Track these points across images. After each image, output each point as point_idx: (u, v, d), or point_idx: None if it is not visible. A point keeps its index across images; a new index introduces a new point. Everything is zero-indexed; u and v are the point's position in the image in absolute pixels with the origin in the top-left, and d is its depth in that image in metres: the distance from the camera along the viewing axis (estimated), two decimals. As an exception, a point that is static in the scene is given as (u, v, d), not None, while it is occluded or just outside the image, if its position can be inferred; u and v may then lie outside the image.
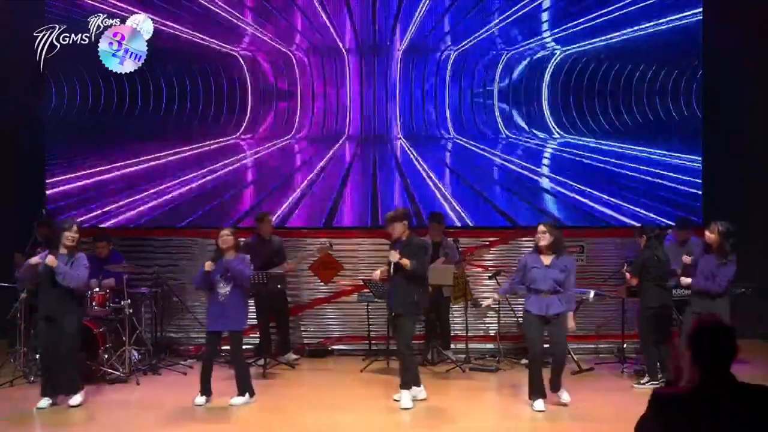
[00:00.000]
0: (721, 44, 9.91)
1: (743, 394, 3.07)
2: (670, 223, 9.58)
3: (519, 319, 9.89)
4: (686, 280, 7.56)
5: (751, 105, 9.99)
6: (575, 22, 10.05)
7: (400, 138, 10.15)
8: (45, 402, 7.17)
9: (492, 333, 9.81)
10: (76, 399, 7.22)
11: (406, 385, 7.18)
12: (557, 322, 7.09)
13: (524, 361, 9.21)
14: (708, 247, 7.44)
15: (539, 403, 7.09)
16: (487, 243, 10.05)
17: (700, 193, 9.99)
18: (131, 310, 8.42)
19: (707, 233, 7.43)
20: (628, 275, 8.28)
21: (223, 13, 10.00)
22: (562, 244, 7.26)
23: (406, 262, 7.16)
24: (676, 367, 3.43)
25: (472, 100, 10.13)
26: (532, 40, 10.09)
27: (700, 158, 10.03)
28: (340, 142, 10.16)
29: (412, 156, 10.16)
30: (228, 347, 7.52)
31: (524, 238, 10.13)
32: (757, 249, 9.36)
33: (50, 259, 7.05)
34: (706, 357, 3.09)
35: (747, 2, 9.90)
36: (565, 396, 7.32)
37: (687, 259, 7.82)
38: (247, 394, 7.35)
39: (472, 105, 10.13)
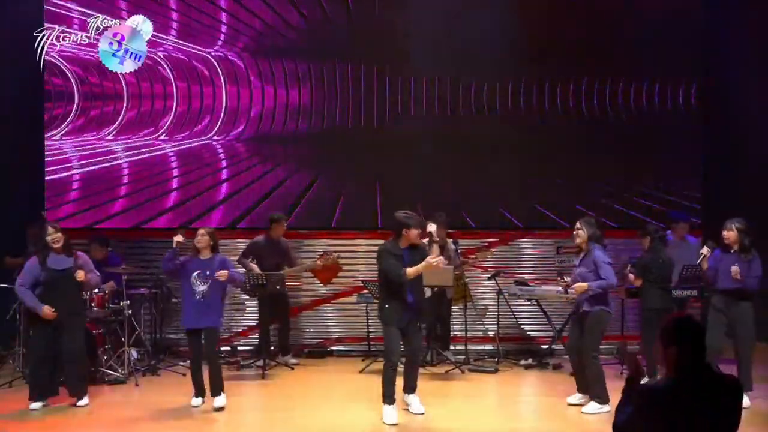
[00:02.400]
0: (722, 46, 9.91)
1: (717, 382, 3.39)
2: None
3: (518, 320, 9.92)
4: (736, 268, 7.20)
5: (752, 106, 9.98)
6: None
7: (399, 138, 10.15)
8: (37, 404, 7.15)
9: (491, 334, 9.80)
10: (84, 400, 7.23)
11: (413, 389, 7.08)
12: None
13: (523, 362, 9.22)
14: (726, 247, 7.34)
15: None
16: (486, 244, 10.04)
17: (699, 195, 9.99)
18: (130, 311, 8.44)
19: (725, 233, 7.32)
20: (631, 276, 8.26)
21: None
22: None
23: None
24: (637, 365, 3.51)
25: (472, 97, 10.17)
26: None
27: (700, 160, 10.02)
28: (339, 142, 10.16)
29: (411, 156, 10.14)
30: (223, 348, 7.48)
31: (524, 239, 10.14)
32: (757, 251, 9.33)
33: (80, 275, 7.17)
34: (693, 350, 3.36)
35: (747, 4, 9.90)
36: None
37: (706, 250, 7.50)
38: (222, 393, 7.22)
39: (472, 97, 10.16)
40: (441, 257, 6.77)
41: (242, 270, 8.88)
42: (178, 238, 7.26)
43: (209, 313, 7.16)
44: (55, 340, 7.17)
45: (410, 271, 6.61)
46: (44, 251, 7.19)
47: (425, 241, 7.16)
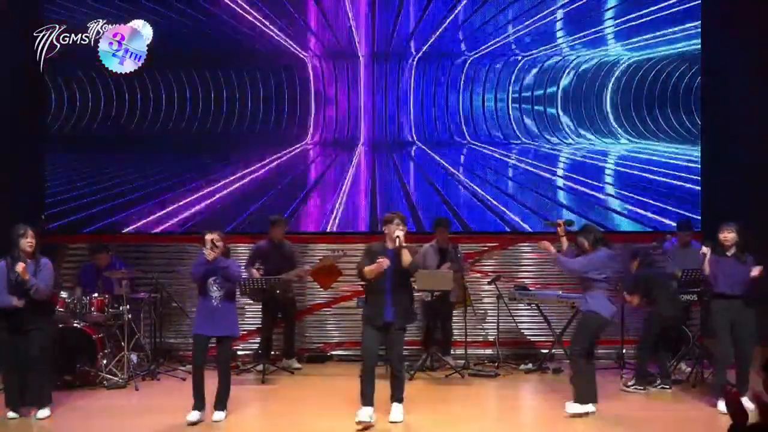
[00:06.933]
0: (720, 48, 9.94)
1: None
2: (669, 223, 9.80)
3: (518, 324, 9.91)
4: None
5: (750, 108, 10.00)
6: (587, 31, 10.12)
7: (408, 143, 10.18)
8: (13, 414, 6.98)
9: (491, 339, 9.78)
10: (44, 412, 7.02)
11: (400, 399, 6.89)
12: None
13: (523, 366, 9.20)
14: (724, 250, 7.26)
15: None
16: (487, 248, 10.04)
17: (698, 197, 10.00)
18: (130, 316, 8.41)
19: (724, 235, 7.26)
20: (627, 297, 8.34)
21: (228, 17, 10.05)
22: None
23: (407, 256, 6.63)
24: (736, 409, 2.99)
25: (478, 105, 10.16)
26: (545, 47, 10.12)
27: (698, 162, 10.04)
28: (345, 147, 10.17)
29: (411, 161, 10.17)
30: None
31: (524, 244, 10.13)
32: (757, 254, 9.34)
33: (21, 268, 6.82)
34: None
35: (746, 6, 9.93)
36: None
37: (706, 250, 7.33)
38: (225, 410, 7.03)
39: (478, 109, 10.16)
40: (385, 260, 6.58)
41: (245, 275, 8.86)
42: (211, 257, 6.81)
43: (224, 320, 6.97)
44: (18, 347, 6.97)
45: (367, 269, 6.66)
46: (18, 255, 6.95)
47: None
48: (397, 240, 6.60)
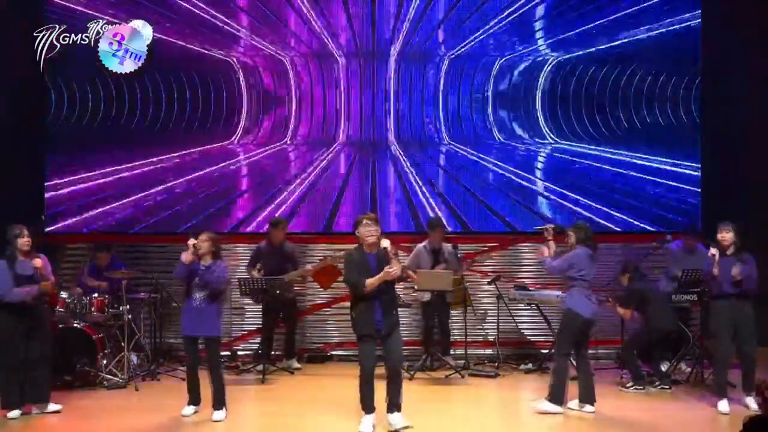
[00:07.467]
0: (719, 50, 9.94)
1: None
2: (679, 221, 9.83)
3: (518, 324, 9.91)
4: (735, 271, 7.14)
5: (749, 110, 10.00)
6: (571, 28, 10.08)
7: (395, 143, 10.17)
8: (16, 413, 6.99)
9: (491, 339, 9.79)
10: (54, 406, 7.14)
11: (399, 406, 6.61)
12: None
13: (523, 366, 9.21)
14: (723, 250, 7.27)
15: None
16: (486, 248, 10.05)
17: (699, 199, 10.00)
18: (130, 316, 8.42)
19: (721, 235, 7.28)
20: (620, 310, 8.34)
21: (217, 20, 10.04)
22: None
23: (399, 265, 6.54)
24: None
25: (462, 106, 10.15)
26: (526, 46, 10.12)
27: (698, 165, 10.04)
28: (337, 147, 10.17)
29: (409, 161, 10.17)
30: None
31: (523, 244, 10.13)
32: (758, 255, 9.33)
33: (39, 263, 7.00)
34: None
35: (745, 9, 9.93)
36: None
37: (736, 272, 7.15)
38: (224, 409, 7.03)
39: (462, 110, 10.15)
40: (397, 267, 6.39)
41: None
42: (186, 259, 6.97)
43: (207, 320, 7.00)
44: (20, 347, 7.01)
45: (369, 281, 6.35)
46: (15, 255, 7.01)
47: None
48: (386, 250, 6.40)
